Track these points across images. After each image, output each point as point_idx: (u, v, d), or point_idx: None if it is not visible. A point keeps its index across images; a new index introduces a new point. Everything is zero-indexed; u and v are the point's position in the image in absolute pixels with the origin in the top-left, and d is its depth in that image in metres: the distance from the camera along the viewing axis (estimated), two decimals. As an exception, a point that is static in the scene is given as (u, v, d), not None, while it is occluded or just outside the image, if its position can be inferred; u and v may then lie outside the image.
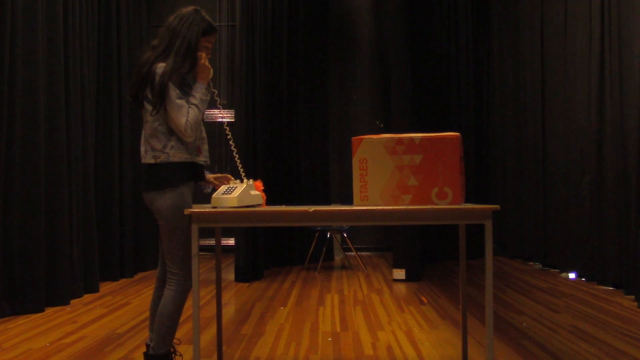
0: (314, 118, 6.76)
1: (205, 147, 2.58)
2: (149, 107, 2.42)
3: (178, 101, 2.39)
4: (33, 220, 4.15)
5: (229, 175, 2.73)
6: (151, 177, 2.44)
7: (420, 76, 6.15)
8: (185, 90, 2.45)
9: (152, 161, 2.43)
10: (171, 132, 2.42)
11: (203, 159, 2.56)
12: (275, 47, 6.32)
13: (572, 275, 5.32)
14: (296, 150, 6.57)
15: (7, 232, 4.04)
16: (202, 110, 2.46)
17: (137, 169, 5.82)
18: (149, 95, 2.41)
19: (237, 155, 2.78)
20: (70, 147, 4.64)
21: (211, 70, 2.54)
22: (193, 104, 2.43)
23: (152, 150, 2.43)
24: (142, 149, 2.48)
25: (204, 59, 2.51)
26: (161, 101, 2.37)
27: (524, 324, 3.66)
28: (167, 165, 2.42)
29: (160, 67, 2.40)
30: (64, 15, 4.56)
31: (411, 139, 2.39)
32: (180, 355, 2.63)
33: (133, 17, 6.08)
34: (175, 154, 2.43)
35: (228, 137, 2.75)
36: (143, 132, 2.49)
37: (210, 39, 2.53)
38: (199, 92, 2.48)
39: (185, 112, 2.39)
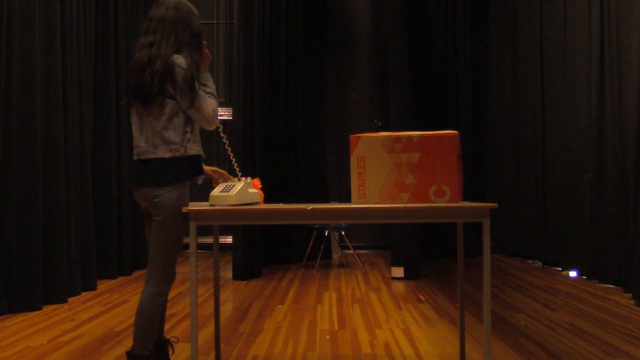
0: (312, 116, 6.75)
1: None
2: (169, 101, 2.34)
3: (200, 92, 2.39)
4: (31, 218, 4.14)
5: (225, 172, 2.71)
6: (159, 171, 2.35)
7: (418, 74, 6.15)
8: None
9: (166, 155, 2.34)
10: (187, 124, 2.38)
11: (202, 151, 2.55)
12: (273, 45, 6.31)
13: (573, 274, 5.32)
14: (294, 148, 6.56)
15: (4, 230, 4.03)
16: (217, 98, 2.47)
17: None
18: (171, 90, 2.33)
19: (231, 153, 2.77)
20: (68, 145, 4.62)
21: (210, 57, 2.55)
22: (209, 92, 2.43)
23: (168, 143, 2.34)
24: (147, 144, 2.37)
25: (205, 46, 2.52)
26: (193, 94, 2.33)
27: (522, 322, 3.67)
28: (183, 159, 2.37)
29: (179, 60, 2.34)
30: (61, 12, 4.54)
31: (409, 137, 2.39)
32: (172, 346, 2.61)
33: (131, 15, 6.07)
34: (191, 147, 2.40)
35: (221, 135, 2.74)
36: (145, 127, 2.37)
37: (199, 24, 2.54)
38: (209, 81, 2.49)
39: (209, 102, 2.40)
